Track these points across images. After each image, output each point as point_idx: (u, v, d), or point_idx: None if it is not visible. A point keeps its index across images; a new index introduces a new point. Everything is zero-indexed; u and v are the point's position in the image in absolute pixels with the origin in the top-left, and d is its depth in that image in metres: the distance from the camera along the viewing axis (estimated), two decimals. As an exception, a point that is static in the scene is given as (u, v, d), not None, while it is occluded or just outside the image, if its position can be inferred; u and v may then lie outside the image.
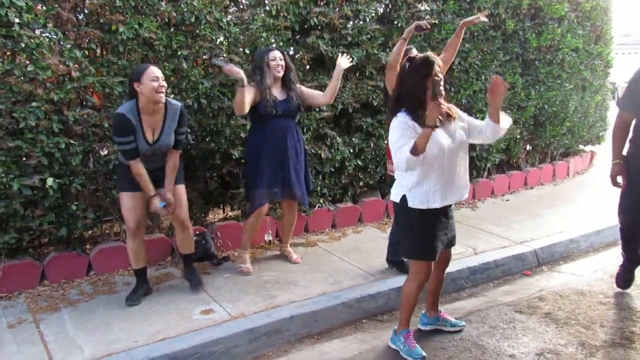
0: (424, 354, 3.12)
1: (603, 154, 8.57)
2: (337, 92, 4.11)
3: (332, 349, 3.35)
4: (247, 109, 3.73)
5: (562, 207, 6.05)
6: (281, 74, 3.94)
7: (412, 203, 2.96)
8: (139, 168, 3.43)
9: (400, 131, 2.84)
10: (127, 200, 3.52)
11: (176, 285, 3.94)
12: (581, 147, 8.07)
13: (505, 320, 3.63)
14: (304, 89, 4.15)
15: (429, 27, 3.70)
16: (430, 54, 2.93)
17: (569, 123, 7.11)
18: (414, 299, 3.16)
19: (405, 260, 3.92)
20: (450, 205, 3.10)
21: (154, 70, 3.31)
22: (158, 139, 3.46)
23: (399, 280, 4.04)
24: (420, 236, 3.02)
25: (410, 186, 2.96)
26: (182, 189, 3.75)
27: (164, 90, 3.34)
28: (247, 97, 3.69)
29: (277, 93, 3.96)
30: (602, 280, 4.25)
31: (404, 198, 2.99)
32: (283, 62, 3.94)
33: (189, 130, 4.21)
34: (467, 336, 3.41)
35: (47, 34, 3.55)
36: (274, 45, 4.47)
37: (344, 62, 4.03)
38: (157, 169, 3.59)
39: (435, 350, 3.25)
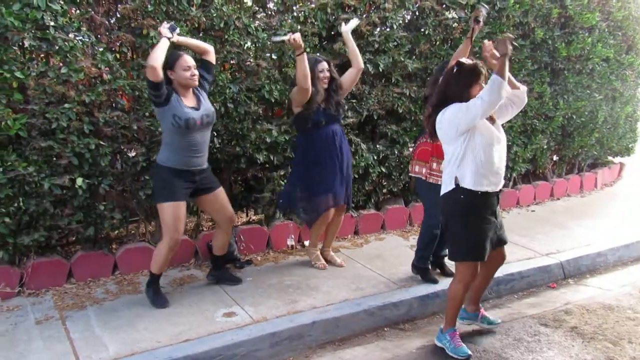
0: (469, 352, 3.20)
1: (632, 166, 8.43)
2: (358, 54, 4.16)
3: (354, 356, 3.34)
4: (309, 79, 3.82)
5: (589, 219, 5.94)
6: (326, 85, 4.03)
7: (464, 182, 3.06)
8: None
9: (459, 104, 3.00)
10: (171, 211, 3.50)
11: (199, 287, 3.97)
12: (610, 158, 7.93)
13: (529, 333, 3.58)
14: (342, 81, 4.16)
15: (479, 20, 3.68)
16: (478, 62, 3.07)
17: (598, 134, 6.99)
18: (460, 299, 3.27)
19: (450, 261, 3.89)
20: (498, 204, 3.23)
21: (187, 60, 3.43)
22: (200, 107, 3.53)
23: (422, 289, 4.02)
24: (470, 236, 3.12)
25: (463, 167, 3.06)
26: (222, 190, 3.83)
27: (196, 78, 3.48)
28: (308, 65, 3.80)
29: (321, 102, 4.04)
30: (631, 295, 4.17)
31: (456, 181, 3.08)
32: (329, 74, 4.02)
33: (215, 134, 4.26)
34: (491, 348, 3.37)
35: (81, 37, 3.63)
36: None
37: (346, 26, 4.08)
38: (201, 172, 3.63)
39: (458, 361, 3.22)
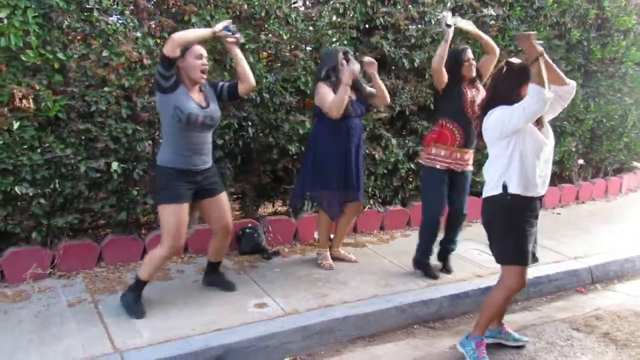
0: None
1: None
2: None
3: (385, 353, 3.33)
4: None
5: (615, 224, 5.88)
6: (357, 78, 3.91)
7: (511, 187, 2.97)
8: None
9: (505, 107, 2.90)
10: (173, 215, 3.22)
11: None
12: (634, 163, 7.83)
13: (562, 337, 3.54)
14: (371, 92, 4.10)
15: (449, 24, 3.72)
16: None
17: (627, 138, 6.90)
18: (499, 307, 3.17)
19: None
20: (540, 208, 3.16)
21: (199, 48, 3.19)
22: (207, 106, 3.27)
23: (452, 288, 3.99)
24: (514, 237, 3.02)
25: (510, 171, 2.97)
26: (224, 195, 3.55)
27: (205, 70, 3.21)
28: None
29: (350, 93, 3.91)
30: (662, 304, 4.12)
31: (504, 186, 2.99)
32: (358, 67, 3.89)
33: (250, 123, 4.23)
34: (524, 351, 3.34)
35: (123, 21, 3.61)
36: (337, 44, 4.45)
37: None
38: (204, 171, 3.36)
39: (492, 363, 3.20)
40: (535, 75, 2.75)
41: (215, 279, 3.79)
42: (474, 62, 3.94)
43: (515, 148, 2.95)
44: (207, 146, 3.37)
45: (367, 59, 3.89)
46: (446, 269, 4.26)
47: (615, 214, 6.33)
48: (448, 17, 3.70)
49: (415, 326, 3.68)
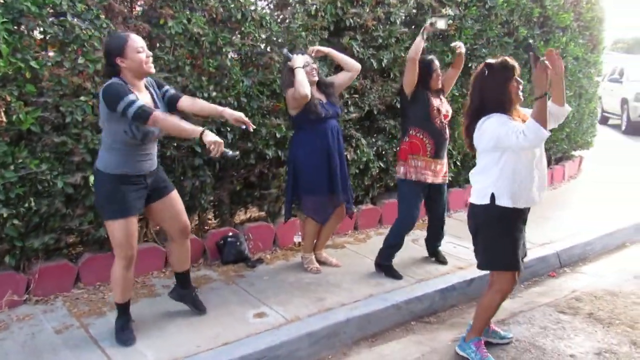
0: None
1: (589, 159, 8.87)
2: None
3: (392, 351, 3.34)
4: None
5: (565, 210, 6.22)
6: (317, 77, 3.89)
7: (501, 201, 2.89)
8: (166, 116, 2.83)
9: (504, 120, 2.81)
10: (123, 230, 2.93)
11: (218, 288, 3.84)
12: (573, 152, 8.33)
13: (551, 321, 3.70)
14: (334, 80, 4.09)
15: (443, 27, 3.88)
16: (507, 58, 2.94)
17: (567, 129, 7.33)
18: (494, 310, 3.14)
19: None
20: (528, 214, 3.10)
21: (137, 40, 2.81)
22: (157, 107, 2.97)
23: (440, 282, 4.07)
24: (506, 244, 2.98)
25: (500, 183, 2.89)
26: (175, 193, 3.23)
27: (151, 62, 2.88)
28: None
29: (319, 96, 3.91)
30: (628, 281, 4.39)
31: (492, 197, 2.91)
32: (315, 65, 3.89)
33: (228, 129, 4.11)
34: (522, 337, 3.46)
35: (98, 26, 3.39)
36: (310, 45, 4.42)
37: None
38: (152, 172, 3.07)
39: (496, 352, 3.27)
40: (537, 111, 2.69)
41: (185, 294, 3.46)
42: (440, 73, 4.07)
43: (507, 162, 2.88)
44: (155, 147, 3.11)
45: (310, 49, 3.97)
46: (440, 261, 4.39)
47: (563, 200, 6.71)
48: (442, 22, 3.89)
49: (412, 322, 3.72)
